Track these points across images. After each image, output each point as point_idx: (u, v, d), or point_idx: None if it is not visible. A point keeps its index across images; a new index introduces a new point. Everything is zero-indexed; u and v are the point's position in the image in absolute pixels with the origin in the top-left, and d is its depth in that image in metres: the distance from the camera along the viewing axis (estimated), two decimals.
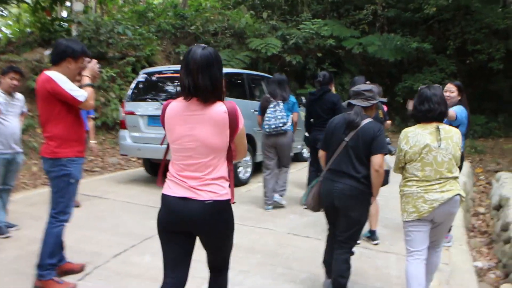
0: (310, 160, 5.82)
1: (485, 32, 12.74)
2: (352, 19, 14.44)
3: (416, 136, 2.98)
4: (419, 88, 3.21)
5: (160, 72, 6.65)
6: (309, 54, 13.46)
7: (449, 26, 13.74)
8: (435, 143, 2.93)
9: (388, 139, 4.25)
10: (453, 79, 13.09)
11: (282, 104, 5.44)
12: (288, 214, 5.41)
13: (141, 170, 7.68)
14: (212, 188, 2.11)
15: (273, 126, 5.33)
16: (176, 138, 2.12)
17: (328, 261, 3.27)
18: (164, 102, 2.21)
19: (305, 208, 3.34)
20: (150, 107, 6.24)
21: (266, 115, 5.40)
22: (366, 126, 3.05)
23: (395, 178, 3.61)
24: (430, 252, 3.14)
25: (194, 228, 2.17)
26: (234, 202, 2.23)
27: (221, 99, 2.12)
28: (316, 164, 5.22)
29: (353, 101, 3.20)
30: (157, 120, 6.05)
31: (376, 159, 2.99)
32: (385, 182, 3.97)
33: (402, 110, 12.55)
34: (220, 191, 2.12)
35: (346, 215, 3.07)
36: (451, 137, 2.96)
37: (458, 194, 2.94)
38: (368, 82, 4.68)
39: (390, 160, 4.06)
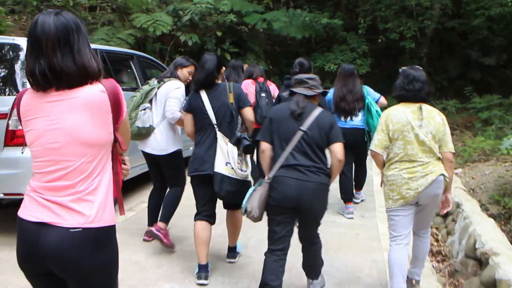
0: None
1: (396, 9, 11.91)
2: None
3: (399, 114, 3.04)
4: (401, 69, 3.22)
5: None
6: (207, 33, 11.63)
7: (358, 3, 12.76)
8: (416, 122, 2.99)
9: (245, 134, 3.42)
10: (364, 58, 12.22)
11: None
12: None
13: None
14: (84, 207, 1.54)
15: None
16: (34, 137, 1.57)
17: (271, 284, 2.80)
18: (19, 92, 1.64)
19: (247, 217, 2.98)
20: None
21: None
22: (323, 113, 2.93)
23: None
24: (416, 239, 3.26)
25: (53, 267, 1.56)
26: (123, 214, 1.75)
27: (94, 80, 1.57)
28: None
29: (295, 89, 3.00)
30: None
31: (338, 148, 2.89)
32: None
33: None
34: (95, 212, 1.54)
35: (312, 217, 2.94)
36: (433, 117, 3.03)
37: (442, 174, 2.98)
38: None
39: None
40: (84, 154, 1.57)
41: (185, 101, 3.87)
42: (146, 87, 4.00)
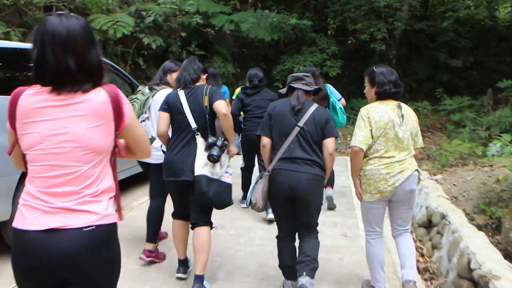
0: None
1: (365, 10, 11.72)
2: None
3: (380, 111, 3.08)
4: (374, 68, 3.25)
5: None
6: (171, 35, 11.10)
7: (327, 3, 12.50)
8: (397, 119, 3.07)
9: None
10: (334, 60, 11.97)
11: None
12: None
13: None
14: (92, 207, 1.56)
15: None
16: (37, 141, 1.55)
17: (287, 264, 3.18)
18: (13, 91, 1.59)
19: (252, 208, 3.13)
20: None
21: None
22: (318, 109, 3.09)
23: None
24: (397, 238, 3.28)
25: (67, 274, 1.54)
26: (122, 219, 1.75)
27: (100, 84, 1.63)
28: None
29: (295, 85, 3.15)
30: None
31: (330, 143, 3.05)
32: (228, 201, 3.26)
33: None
34: (103, 210, 1.58)
35: (308, 205, 3.05)
36: (409, 114, 3.16)
37: (417, 170, 3.13)
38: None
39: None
40: (91, 160, 1.58)
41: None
42: (141, 97, 3.74)
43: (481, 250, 3.35)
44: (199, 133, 3.16)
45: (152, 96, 3.71)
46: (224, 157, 3.18)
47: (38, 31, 1.57)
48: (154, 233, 3.75)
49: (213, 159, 3.08)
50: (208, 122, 3.19)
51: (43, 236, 1.50)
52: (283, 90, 3.30)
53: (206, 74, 3.50)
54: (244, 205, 5.30)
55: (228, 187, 3.20)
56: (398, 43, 13.49)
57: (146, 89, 3.83)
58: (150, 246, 3.71)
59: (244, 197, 5.34)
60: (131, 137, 1.73)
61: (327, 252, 3.95)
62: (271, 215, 4.69)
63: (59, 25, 1.55)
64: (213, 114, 3.20)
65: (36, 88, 1.58)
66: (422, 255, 4.32)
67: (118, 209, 1.75)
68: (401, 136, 3.04)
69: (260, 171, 5.27)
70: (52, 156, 1.55)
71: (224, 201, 3.18)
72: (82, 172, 1.56)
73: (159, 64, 4.04)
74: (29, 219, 1.53)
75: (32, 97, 1.56)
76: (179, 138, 3.21)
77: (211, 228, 3.28)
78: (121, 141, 1.76)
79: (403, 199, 3.14)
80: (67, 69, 1.54)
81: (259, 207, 3.09)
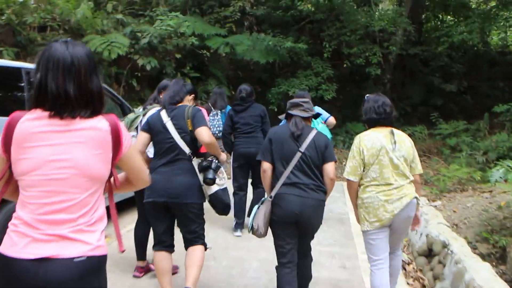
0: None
1: (360, 35, 11.77)
2: (217, 17, 12.37)
3: (372, 139, 3.10)
4: (366, 96, 3.31)
5: None
6: (166, 56, 11.05)
7: (323, 27, 12.55)
8: (390, 145, 3.07)
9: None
10: (329, 84, 11.95)
11: (220, 113, 5.94)
12: None
13: None
14: (86, 236, 1.55)
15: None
16: (35, 166, 1.53)
17: None
18: (10, 115, 1.58)
19: (253, 234, 3.09)
20: None
21: None
22: (318, 135, 3.13)
23: None
24: (390, 256, 3.24)
25: None
26: (123, 251, 1.73)
27: (100, 112, 1.67)
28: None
29: (293, 112, 3.19)
30: None
31: (331, 167, 3.08)
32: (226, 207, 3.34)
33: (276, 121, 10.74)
34: (96, 241, 1.57)
35: (310, 229, 3.14)
36: (404, 141, 3.16)
37: (415, 197, 3.08)
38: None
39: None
40: (89, 187, 1.58)
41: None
42: (131, 115, 3.79)
43: (488, 283, 3.19)
44: (194, 157, 3.16)
45: (144, 115, 3.69)
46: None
47: (43, 56, 1.60)
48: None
49: (210, 182, 3.14)
50: (195, 145, 3.20)
51: (33, 265, 1.47)
52: (282, 116, 3.37)
53: (192, 95, 3.46)
54: (237, 234, 5.11)
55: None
56: (393, 67, 13.53)
57: (140, 109, 3.84)
58: (142, 263, 3.84)
59: (237, 225, 5.16)
60: (128, 168, 1.75)
61: (325, 286, 3.74)
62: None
63: (65, 51, 1.59)
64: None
65: (36, 113, 1.58)
66: (424, 286, 4.14)
67: (118, 239, 1.73)
68: (396, 162, 3.04)
69: (254, 197, 5.11)
70: (50, 182, 1.54)
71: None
72: (80, 199, 1.56)
73: (153, 86, 4.09)
74: (19, 246, 1.50)
75: (32, 121, 1.56)
76: (163, 158, 3.15)
77: (206, 249, 3.27)
78: (122, 174, 1.79)
79: (401, 227, 3.15)
80: (66, 95, 1.56)
81: (261, 233, 3.07)
